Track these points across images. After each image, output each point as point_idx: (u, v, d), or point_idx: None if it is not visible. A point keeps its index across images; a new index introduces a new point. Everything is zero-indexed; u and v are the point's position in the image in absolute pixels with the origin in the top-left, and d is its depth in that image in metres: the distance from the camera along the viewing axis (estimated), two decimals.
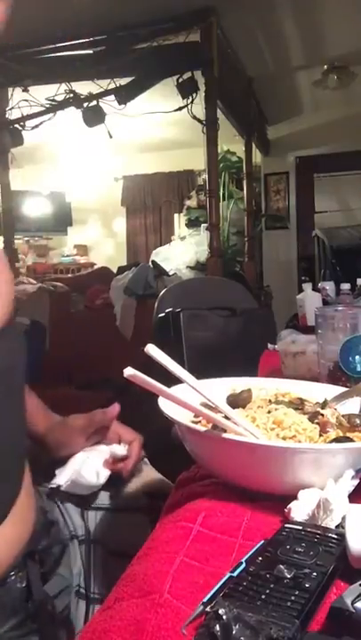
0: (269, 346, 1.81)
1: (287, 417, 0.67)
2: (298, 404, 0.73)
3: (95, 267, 5.99)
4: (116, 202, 6.76)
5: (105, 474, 0.78)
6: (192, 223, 5.98)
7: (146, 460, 0.96)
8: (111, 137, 3.82)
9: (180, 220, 6.43)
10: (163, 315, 1.82)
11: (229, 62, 3.84)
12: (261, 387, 0.82)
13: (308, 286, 2.14)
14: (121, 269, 3.87)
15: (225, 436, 0.57)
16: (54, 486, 0.76)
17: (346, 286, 2.34)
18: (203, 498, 0.61)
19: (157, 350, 0.51)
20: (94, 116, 3.68)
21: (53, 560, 0.70)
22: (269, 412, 0.70)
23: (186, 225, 6.13)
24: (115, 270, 4.05)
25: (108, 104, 3.63)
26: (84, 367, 3.21)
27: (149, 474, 0.92)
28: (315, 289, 2.38)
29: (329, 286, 2.32)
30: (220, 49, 3.46)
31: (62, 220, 6.60)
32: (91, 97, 3.67)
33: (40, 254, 6.54)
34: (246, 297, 2.16)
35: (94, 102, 3.66)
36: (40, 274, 5.63)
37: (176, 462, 0.77)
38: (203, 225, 5.29)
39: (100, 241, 6.90)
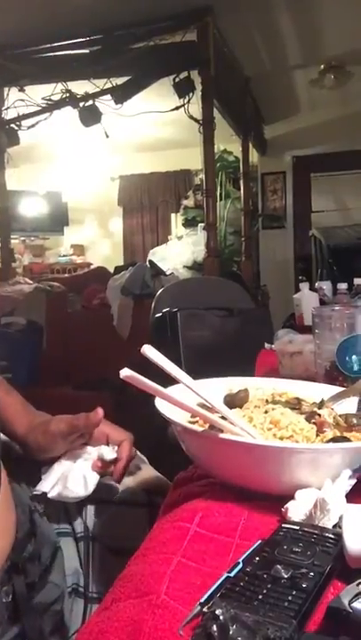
0: (266, 345, 1.81)
1: (284, 417, 0.67)
2: (295, 404, 0.73)
3: (92, 266, 5.98)
4: (112, 201, 6.76)
5: (93, 480, 0.74)
6: (189, 223, 5.98)
7: (144, 458, 0.95)
8: (108, 137, 3.82)
9: (176, 220, 6.44)
10: (160, 315, 1.81)
11: (226, 61, 3.85)
12: (258, 386, 0.82)
13: (304, 286, 2.14)
14: (118, 269, 3.87)
15: (222, 436, 0.57)
16: (39, 493, 0.74)
17: (343, 286, 2.35)
18: (200, 498, 0.61)
19: (154, 351, 0.51)
20: (91, 116, 3.67)
21: (43, 568, 0.68)
22: (266, 411, 0.70)
23: (183, 225, 6.13)
24: (112, 270, 4.05)
25: (105, 103, 3.63)
26: (82, 367, 3.21)
27: (148, 472, 0.91)
28: (312, 288, 2.38)
29: (326, 286, 2.32)
30: (217, 48, 3.47)
31: (59, 220, 6.59)
32: (87, 96, 3.66)
33: (36, 254, 6.52)
34: (243, 297, 2.17)
35: (91, 102, 3.65)
36: (37, 274, 5.61)
37: (174, 462, 0.77)
38: (200, 225, 5.29)
39: (97, 241, 6.90)
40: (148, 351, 0.50)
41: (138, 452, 0.94)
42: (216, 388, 0.79)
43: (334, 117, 5.19)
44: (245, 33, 3.70)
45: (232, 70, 4.11)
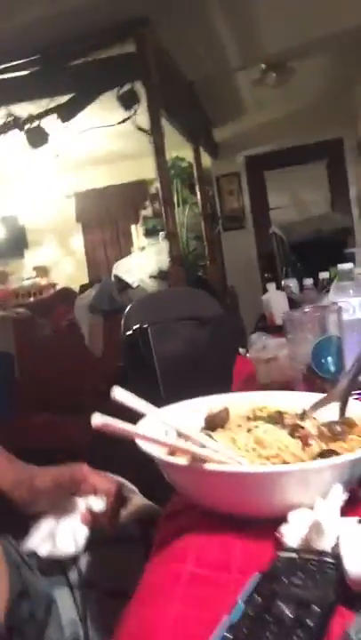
0: (241, 350, 1.80)
1: (268, 434, 0.65)
2: (277, 418, 0.71)
3: (57, 287, 5.91)
4: (70, 219, 6.69)
5: (83, 534, 0.71)
6: (150, 232, 5.96)
7: (134, 488, 0.92)
8: (58, 156, 3.78)
9: (137, 231, 6.41)
10: (130, 332, 1.79)
11: (168, 70, 3.85)
12: (238, 402, 0.80)
13: (271, 286, 2.14)
14: (83, 287, 3.82)
15: (206, 467, 0.55)
16: (29, 553, 0.71)
17: (309, 281, 2.36)
18: (191, 531, 0.58)
19: (124, 393, 0.48)
20: (38, 137, 3.63)
21: (39, 627, 0.65)
22: (249, 430, 0.68)
23: (144, 235, 6.11)
24: (77, 289, 4.00)
25: (52, 122, 3.59)
26: (59, 391, 3.15)
27: (138, 502, 0.88)
28: (278, 286, 2.39)
29: (292, 283, 2.33)
30: (157, 57, 3.46)
31: (18, 244, 6.50)
32: (32, 118, 3.62)
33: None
34: (212, 303, 2.16)
35: (36, 123, 3.61)
36: (2, 300, 5.52)
37: (163, 485, 0.74)
38: (161, 233, 5.28)
39: (59, 260, 6.82)
40: (119, 395, 0.48)
41: (126, 482, 0.91)
42: (195, 410, 0.77)
43: (281, 114, 5.26)
44: (184, 40, 3.71)
45: (175, 78, 4.12)
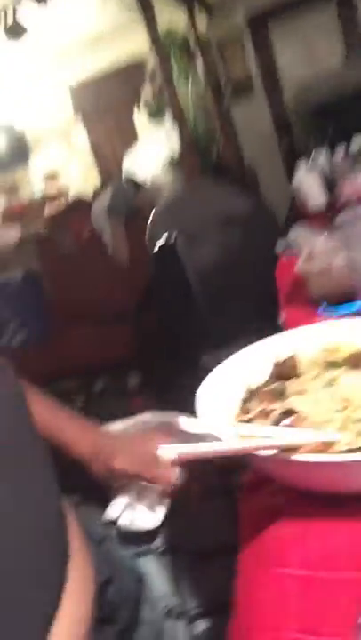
0: (279, 245, 1.66)
1: (353, 390, 0.57)
2: (355, 363, 0.63)
3: (69, 192, 5.69)
4: (69, 116, 6.26)
5: (163, 508, 0.68)
6: (154, 115, 5.54)
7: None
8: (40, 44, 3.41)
9: (140, 117, 5.98)
10: (157, 248, 1.67)
11: None
12: (302, 341, 0.71)
13: (301, 168, 1.95)
14: (96, 193, 3.64)
15: (295, 458, 0.48)
16: (108, 521, 0.68)
17: (340, 151, 2.15)
18: (280, 517, 0.52)
19: (189, 421, 0.40)
20: (16, 27, 3.29)
21: (131, 610, 0.63)
22: (329, 382, 0.60)
23: (148, 120, 5.69)
24: (90, 194, 3.82)
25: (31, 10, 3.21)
26: (92, 307, 3.11)
27: None
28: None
29: (321, 159, 2.11)
30: None
31: (20, 153, 6.18)
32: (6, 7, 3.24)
33: (10, 193, 6.19)
34: (240, 197, 1.98)
35: (11, 11, 3.24)
36: (18, 214, 5.36)
37: None
38: (167, 114, 4.88)
39: (66, 163, 6.49)
40: (185, 425, 0.40)
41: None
42: (259, 359, 0.69)
43: None
44: None
45: None
